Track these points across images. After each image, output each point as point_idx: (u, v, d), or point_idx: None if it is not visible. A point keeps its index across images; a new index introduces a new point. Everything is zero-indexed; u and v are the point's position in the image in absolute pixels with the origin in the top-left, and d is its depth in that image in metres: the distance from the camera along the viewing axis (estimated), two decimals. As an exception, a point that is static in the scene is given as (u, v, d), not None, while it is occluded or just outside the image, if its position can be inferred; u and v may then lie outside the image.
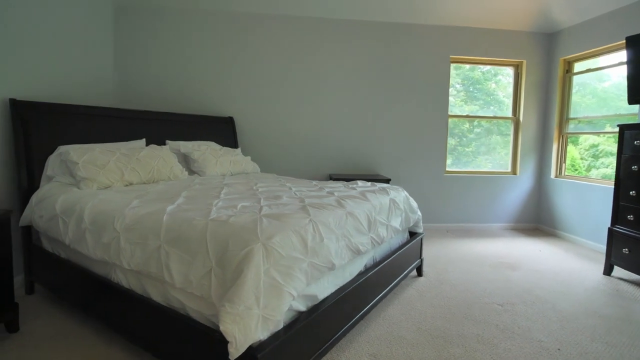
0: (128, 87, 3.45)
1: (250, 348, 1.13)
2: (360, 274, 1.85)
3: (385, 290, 2.11)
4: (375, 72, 3.87)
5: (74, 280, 1.87)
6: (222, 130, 3.54)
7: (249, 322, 1.11)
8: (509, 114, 4.25)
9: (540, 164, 4.16)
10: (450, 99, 4.06)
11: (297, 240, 1.35)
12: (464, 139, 4.30)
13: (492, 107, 4.30)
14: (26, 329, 1.85)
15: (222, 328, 1.10)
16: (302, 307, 1.42)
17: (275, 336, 1.23)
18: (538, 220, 4.20)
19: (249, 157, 3.37)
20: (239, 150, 3.40)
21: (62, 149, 2.18)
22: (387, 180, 3.56)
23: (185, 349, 1.34)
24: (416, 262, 2.61)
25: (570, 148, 3.99)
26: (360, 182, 2.61)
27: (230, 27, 3.62)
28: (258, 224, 1.34)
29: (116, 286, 1.61)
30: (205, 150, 2.95)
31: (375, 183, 2.60)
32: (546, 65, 4.07)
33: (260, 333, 1.15)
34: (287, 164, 3.81)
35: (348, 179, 3.37)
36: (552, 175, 4.02)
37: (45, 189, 2.05)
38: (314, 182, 2.66)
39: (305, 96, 3.79)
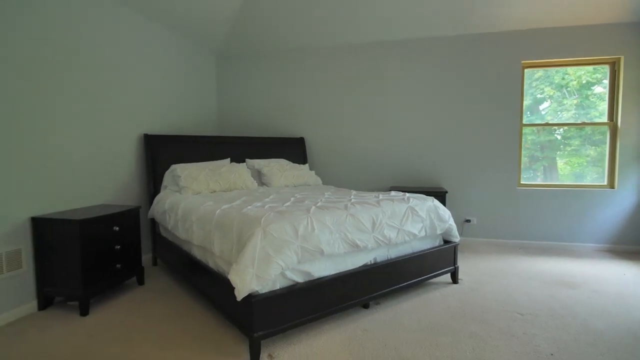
0: (225, 118, 4.71)
1: (249, 295, 1.85)
2: (365, 266, 2.37)
3: (400, 286, 2.55)
4: (437, 86, 4.21)
5: (174, 255, 2.93)
6: (294, 149, 4.44)
7: (245, 276, 1.83)
8: (604, 118, 3.96)
9: (646, 175, 3.74)
10: (544, 105, 4.05)
11: (290, 228, 2.01)
12: (546, 150, 4.18)
13: (582, 112, 4.07)
14: (149, 284, 2.99)
15: (229, 278, 1.85)
16: (299, 279, 2.06)
17: (270, 292, 1.91)
18: (646, 242, 3.75)
19: (313, 172, 4.15)
20: (305, 165, 4.22)
21: (173, 166, 3.37)
22: (444, 193, 3.84)
23: (222, 294, 2.14)
24: (448, 268, 2.90)
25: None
26: (393, 193, 3.08)
27: (302, 62, 4.54)
28: (264, 216, 2.06)
29: (193, 258, 2.55)
30: (273, 166, 3.86)
31: (406, 193, 3.02)
32: (650, 60, 3.70)
33: (254, 285, 1.84)
34: (351, 177, 4.45)
35: (406, 190, 3.79)
36: (663, 188, 3.59)
37: (161, 194, 3.24)
38: (354, 192, 3.24)
39: (367, 114, 4.40)
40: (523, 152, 4.12)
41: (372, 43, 4.34)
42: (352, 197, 2.89)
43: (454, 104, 4.17)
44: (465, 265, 3.41)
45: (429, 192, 3.74)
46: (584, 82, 4.09)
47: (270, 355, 1.92)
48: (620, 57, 3.80)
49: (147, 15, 3.48)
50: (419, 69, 4.25)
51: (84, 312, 2.44)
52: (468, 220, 4.16)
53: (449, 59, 4.16)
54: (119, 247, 2.70)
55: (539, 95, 4.20)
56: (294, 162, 4.33)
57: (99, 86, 3.03)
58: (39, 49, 2.53)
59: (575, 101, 4.10)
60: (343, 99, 4.46)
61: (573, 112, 4.10)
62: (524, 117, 4.11)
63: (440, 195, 3.80)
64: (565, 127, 4.10)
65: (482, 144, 4.11)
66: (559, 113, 4.15)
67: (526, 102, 4.11)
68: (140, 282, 2.99)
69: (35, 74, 2.51)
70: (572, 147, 4.12)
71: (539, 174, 4.25)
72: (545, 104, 4.21)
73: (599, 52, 3.81)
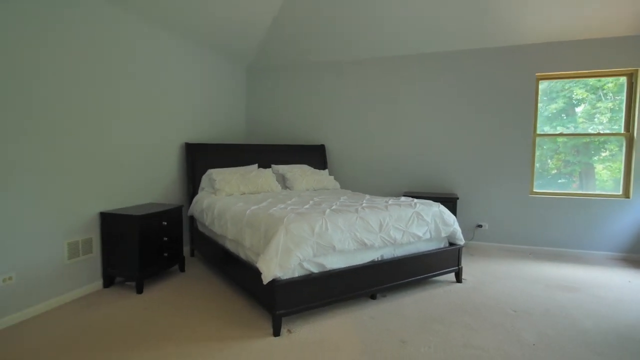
0: (253, 127, 5.24)
1: (273, 280, 2.29)
2: (372, 262, 2.76)
3: (405, 281, 2.92)
4: (451, 97, 4.51)
5: (210, 248, 3.45)
6: (315, 156, 4.89)
7: (270, 265, 2.28)
8: (620, 129, 4.11)
9: (660, 186, 3.87)
10: (579, 108, 4.24)
11: (307, 227, 2.45)
12: (580, 154, 4.32)
13: (594, 122, 4.23)
14: (188, 271, 3.54)
15: (257, 266, 2.31)
16: (314, 270, 2.49)
17: (290, 279, 2.35)
18: (659, 251, 3.88)
19: (332, 177, 4.57)
20: (325, 171, 4.66)
21: (209, 171, 3.90)
22: (455, 199, 4.14)
23: (250, 279, 2.61)
24: (451, 268, 3.23)
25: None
26: (402, 198, 3.44)
27: (323, 75, 4.99)
28: (286, 216, 2.51)
29: (227, 250, 3.05)
30: (296, 172, 4.32)
31: (414, 199, 3.37)
32: (665, 73, 3.84)
33: (277, 272, 2.29)
34: (368, 182, 4.83)
35: (419, 195, 4.13)
36: (674, 199, 3.72)
37: (199, 195, 3.78)
38: (367, 197, 3.64)
39: (383, 123, 4.77)
40: (556, 156, 4.30)
41: (389, 57, 4.71)
42: (364, 201, 3.28)
43: (468, 114, 4.46)
44: (472, 267, 3.71)
45: (440, 198, 4.06)
46: (620, 82, 4.12)
47: (289, 330, 2.37)
48: (637, 69, 3.95)
49: (191, 39, 4.04)
50: (434, 81, 4.57)
51: (139, 290, 2.99)
52: (480, 226, 4.43)
53: (464, 72, 4.45)
54: (166, 239, 3.25)
55: (573, 98, 4.31)
56: (315, 167, 4.77)
57: (150, 104, 3.61)
58: (107, 77, 3.13)
59: (610, 104, 4.19)
60: (361, 108, 4.85)
61: (609, 115, 4.19)
62: (558, 119, 4.27)
63: (451, 201, 4.11)
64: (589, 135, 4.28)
65: (495, 153, 4.37)
66: (595, 117, 4.24)
67: (558, 105, 4.30)
68: (182, 269, 3.54)
69: (101, 98, 3.10)
70: (611, 152, 4.20)
71: (574, 179, 4.33)
72: (580, 108, 4.32)
73: (615, 65, 3.98)
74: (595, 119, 4.25)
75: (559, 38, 4.08)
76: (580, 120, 4.30)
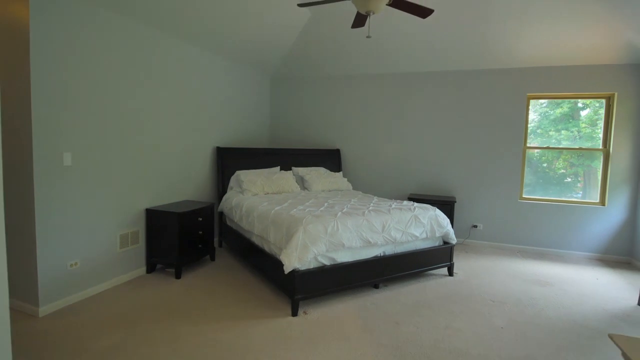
0: (275, 132, 5.74)
1: (292, 271, 2.82)
2: (376, 257, 3.27)
3: (405, 273, 3.43)
4: (452, 111, 4.95)
5: (237, 240, 3.99)
6: (331, 159, 5.39)
7: (290, 257, 2.80)
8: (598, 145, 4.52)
9: (635, 195, 4.28)
10: (585, 112, 4.64)
11: (322, 228, 2.96)
12: (567, 161, 4.75)
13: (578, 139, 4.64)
14: (217, 260, 4.10)
15: (280, 258, 2.84)
16: (326, 263, 3.01)
17: (307, 270, 2.88)
18: (631, 253, 4.31)
19: (345, 179, 5.07)
20: (339, 173, 5.16)
21: (237, 172, 4.44)
22: (453, 202, 4.62)
23: (273, 269, 3.14)
24: (444, 264, 3.73)
25: (672, 181, 4.01)
26: (405, 202, 3.93)
27: (340, 87, 5.44)
28: (304, 218, 3.02)
29: (253, 243, 3.58)
30: (313, 174, 4.83)
31: (415, 203, 3.86)
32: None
33: (296, 264, 2.81)
34: (377, 184, 5.32)
35: (422, 199, 4.62)
36: (648, 208, 4.14)
37: (228, 194, 4.32)
38: (375, 199, 4.14)
39: (392, 132, 5.23)
40: (562, 157, 4.71)
41: (397, 73, 5.15)
42: (371, 204, 3.79)
43: (466, 127, 4.90)
44: (465, 263, 4.20)
45: (440, 200, 4.55)
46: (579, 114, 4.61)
47: (304, 312, 2.90)
48: (614, 93, 4.35)
49: (225, 56, 4.54)
50: (438, 96, 5.00)
51: (178, 276, 3.55)
52: (475, 226, 4.91)
53: (464, 89, 4.88)
54: (200, 232, 3.80)
55: (579, 104, 4.70)
56: (330, 170, 5.27)
57: (188, 113, 4.14)
58: (156, 93, 3.66)
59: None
60: (372, 117, 5.32)
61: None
62: (563, 122, 4.66)
63: (450, 204, 4.59)
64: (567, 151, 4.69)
65: (489, 162, 4.82)
66: (598, 121, 4.59)
67: (563, 110, 4.71)
68: (212, 258, 4.10)
69: (150, 112, 3.64)
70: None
71: (580, 178, 4.71)
72: (585, 112, 4.71)
73: (596, 89, 4.39)
74: (598, 124, 4.61)
75: (548, 63, 4.48)
76: (583, 125, 4.70)
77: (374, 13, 2.86)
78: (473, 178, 4.91)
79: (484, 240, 4.90)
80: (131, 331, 2.54)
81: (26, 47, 2.58)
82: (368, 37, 3.23)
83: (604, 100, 4.49)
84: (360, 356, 2.31)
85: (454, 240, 3.79)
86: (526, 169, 4.77)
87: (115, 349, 2.33)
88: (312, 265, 2.94)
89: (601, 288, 3.56)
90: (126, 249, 3.48)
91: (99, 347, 2.33)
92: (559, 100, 4.71)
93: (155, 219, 3.60)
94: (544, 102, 4.78)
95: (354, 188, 5.36)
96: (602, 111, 4.54)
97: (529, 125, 4.73)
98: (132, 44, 3.39)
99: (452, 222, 4.43)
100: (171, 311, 2.87)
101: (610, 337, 1.45)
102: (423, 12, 3.03)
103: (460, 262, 4.15)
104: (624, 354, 1.33)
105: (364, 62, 5.08)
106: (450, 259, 3.79)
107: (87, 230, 3.10)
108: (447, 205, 4.53)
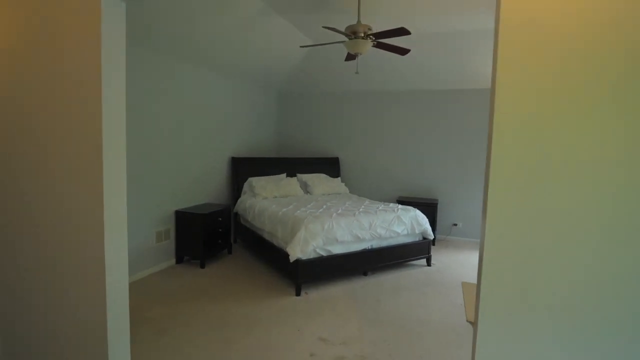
0: (281, 142, 6.47)
1: (296, 260, 3.54)
2: (364, 250, 3.97)
3: (389, 263, 4.13)
4: (435, 124, 5.61)
5: (250, 236, 4.72)
6: (331, 166, 6.10)
7: (295, 250, 3.51)
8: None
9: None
10: None
11: (320, 226, 3.66)
12: None
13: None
14: (234, 254, 4.82)
15: (287, 250, 3.55)
16: (324, 254, 3.71)
17: (308, 259, 3.59)
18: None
19: (343, 183, 5.78)
20: (338, 178, 5.86)
21: (250, 179, 5.16)
22: (435, 204, 5.29)
23: (280, 260, 3.85)
24: (423, 256, 4.42)
25: None
26: (391, 204, 4.63)
27: (338, 102, 6.14)
28: (306, 218, 3.73)
29: (264, 239, 4.30)
30: (315, 179, 5.54)
31: (399, 205, 4.55)
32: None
33: (299, 255, 3.51)
34: (371, 187, 6.01)
35: (408, 201, 5.29)
36: None
37: (242, 198, 5.05)
38: (367, 202, 4.83)
39: (384, 142, 5.92)
40: None
41: (389, 91, 5.83)
42: (362, 206, 4.48)
43: (448, 138, 5.56)
44: (444, 255, 4.87)
45: (424, 201, 5.24)
46: None
47: (305, 293, 3.61)
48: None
49: (236, 77, 5.26)
50: (424, 112, 5.68)
51: (202, 266, 4.28)
52: (455, 224, 5.58)
53: (447, 106, 5.54)
54: (220, 230, 4.53)
55: None
56: (330, 175, 5.98)
57: (208, 128, 4.87)
58: (181, 112, 4.40)
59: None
60: (367, 129, 6.01)
61: None
62: None
63: (433, 205, 5.26)
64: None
65: (468, 168, 5.47)
66: None
67: None
68: (229, 252, 4.83)
69: (179, 129, 4.38)
70: None
71: None
72: None
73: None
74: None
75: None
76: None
77: (361, 54, 3.55)
78: (454, 182, 5.58)
79: (464, 237, 5.57)
80: (174, 306, 3.27)
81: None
82: (356, 72, 3.91)
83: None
84: (347, 323, 3.02)
85: (431, 236, 4.47)
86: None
87: (167, 317, 3.06)
88: (312, 255, 3.64)
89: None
90: (160, 244, 4.22)
91: (154, 315, 3.07)
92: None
93: (184, 219, 4.33)
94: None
95: (351, 191, 6.05)
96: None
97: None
98: (168, 74, 4.13)
99: (435, 222, 5.13)
100: (200, 292, 3.60)
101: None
102: (402, 51, 3.72)
103: (440, 256, 4.82)
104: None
105: (359, 81, 5.75)
106: (428, 251, 4.47)
107: (130, 228, 3.82)
108: (431, 206, 5.21)
